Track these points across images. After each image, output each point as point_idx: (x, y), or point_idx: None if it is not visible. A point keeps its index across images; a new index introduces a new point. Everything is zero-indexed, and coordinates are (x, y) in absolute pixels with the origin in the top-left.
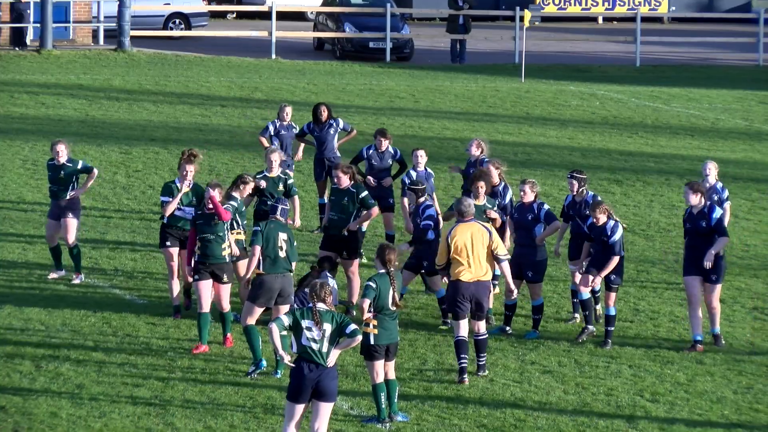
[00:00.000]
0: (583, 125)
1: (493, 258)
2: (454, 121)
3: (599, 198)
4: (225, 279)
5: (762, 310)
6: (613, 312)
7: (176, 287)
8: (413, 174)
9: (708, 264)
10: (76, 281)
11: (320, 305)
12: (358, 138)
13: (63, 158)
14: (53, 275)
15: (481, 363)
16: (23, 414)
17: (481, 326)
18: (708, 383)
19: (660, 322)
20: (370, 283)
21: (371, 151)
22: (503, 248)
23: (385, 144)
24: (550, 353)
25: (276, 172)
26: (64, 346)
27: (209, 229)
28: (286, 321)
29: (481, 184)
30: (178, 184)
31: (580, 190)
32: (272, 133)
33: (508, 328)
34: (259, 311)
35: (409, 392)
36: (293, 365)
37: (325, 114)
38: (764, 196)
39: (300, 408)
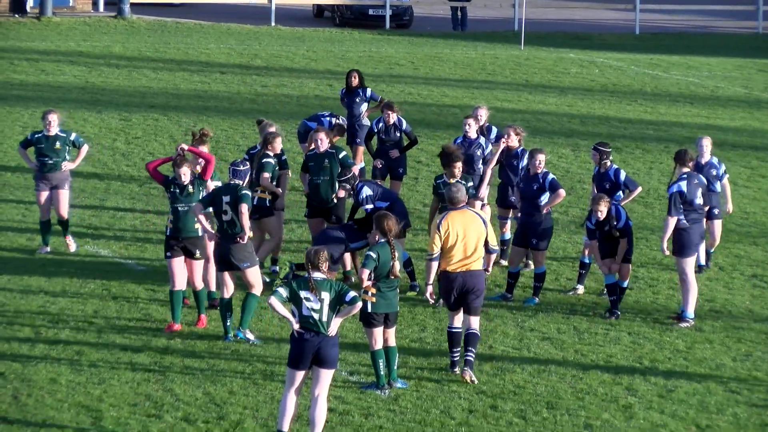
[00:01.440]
0: (582, 93)
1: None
2: (453, 89)
3: (617, 176)
4: (197, 255)
5: (761, 277)
6: (624, 284)
7: (212, 278)
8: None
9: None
10: (72, 247)
11: (316, 274)
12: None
13: (54, 129)
14: (42, 252)
15: (468, 358)
16: (23, 380)
17: (474, 322)
18: (707, 350)
19: (659, 289)
20: (371, 254)
21: (380, 124)
22: (494, 239)
23: (393, 117)
24: (549, 320)
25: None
26: (64, 313)
27: (182, 199)
28: (285, 293)
29: (458, 165)
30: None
31: (603, 162)
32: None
33: (510, 295)
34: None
35: (408, 360)
36: (301, 331)
37: (355, 81)
38: (763, 164)
39: (300, 374)
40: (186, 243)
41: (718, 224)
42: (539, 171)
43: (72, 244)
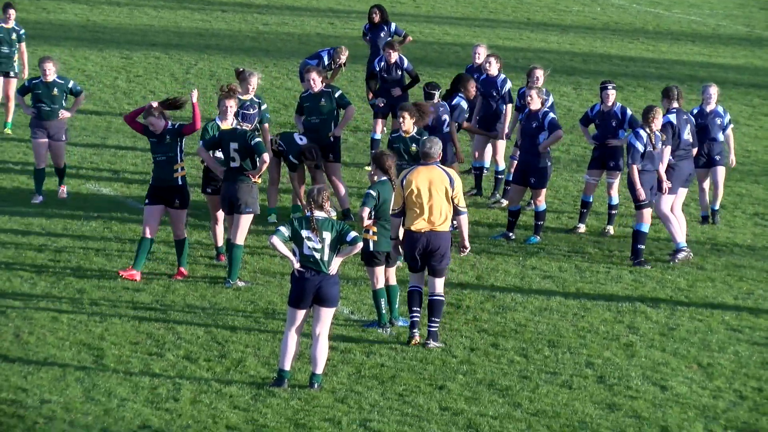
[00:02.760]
0: (584, 31)
1: (452, 208)
2: (455, 27)
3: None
4: (177, 203)
5: (762, 216)
6: (645, 229)
7: (220, 231)
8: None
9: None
10: (64, 194)
11: (318, 213)
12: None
13: (51, 76)
14: (35, 201)
15: (432, 329)
16: (24, 318)
17: (439, 285)
18: (708, 289)
19: (660, 227)
20: (371, 192)
21: (382, 63)
22: (463, 199)
23: (394, 56)
24: (551, 259)
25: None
26: (65, 251)
27: (160, 148)
28: (286, 232)
29: (405, 115)
30: (219, 123)
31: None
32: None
33: (511, 234)
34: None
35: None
36: (302, 270)
37: (377, 17)
38: (765, 102)
39: (301, 313)
40: (164, 193)
41: (721, 171)
42: (531, 108)
43: (63, 193)
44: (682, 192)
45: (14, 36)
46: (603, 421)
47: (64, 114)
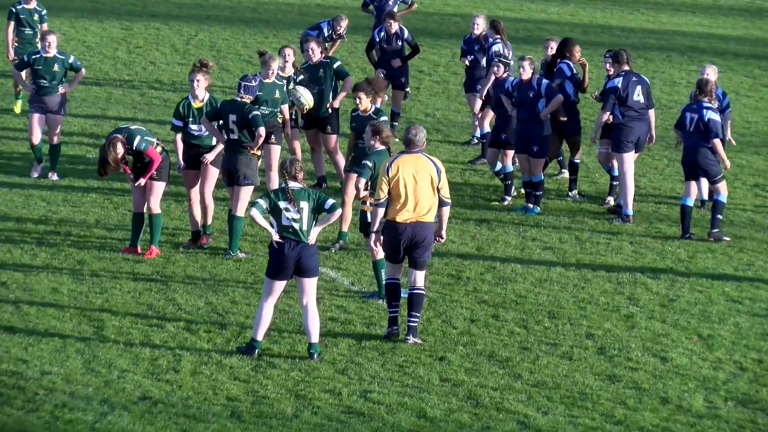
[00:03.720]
0: (584, 2)
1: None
2: None
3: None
4: (154, 175)
5: (763, 187)
6: (724, 199)
7: (197, 212)
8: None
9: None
10: (54, 177)
11: (292, 183)
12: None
13: (53, 50)
14: (34, 173)
15: (412, 324)
16: (24, 290)
17: (420, 278)
18: (709, 260)
19: (661, 199)
20: (367, 162)
21: (382, 33)
22: (448, 190)
23: (395, 26)
24: (551, 230)
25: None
26: (66, 222)
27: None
28: (265, 204)
29: (360, 95)
30: (191, 100)
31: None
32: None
33: (508, 198)
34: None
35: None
36: (281, 242)
37: None
38: (765, 73)
39: (280, 285)
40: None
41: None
42: (524, 78)
43: (53, 176)
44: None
45: (36, 17)
46: (603, 393)
47: (64, 89)
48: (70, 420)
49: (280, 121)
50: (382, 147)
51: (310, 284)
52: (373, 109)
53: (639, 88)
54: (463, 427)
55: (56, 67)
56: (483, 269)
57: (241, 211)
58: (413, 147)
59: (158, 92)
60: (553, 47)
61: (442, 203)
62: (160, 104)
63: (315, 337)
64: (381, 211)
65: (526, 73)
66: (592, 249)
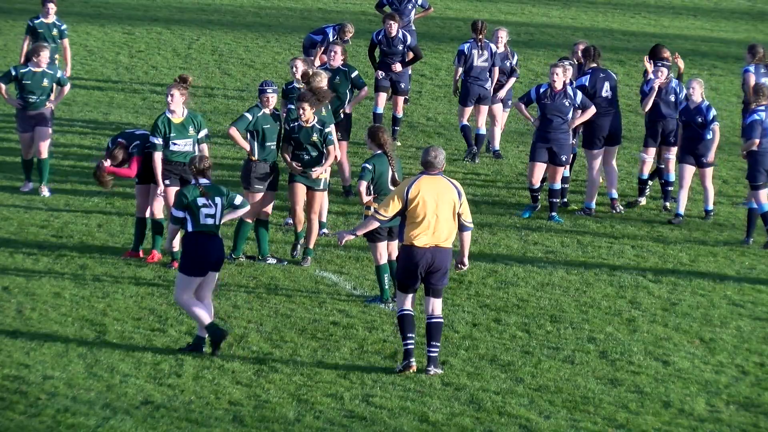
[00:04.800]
0: (585, 5)
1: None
2: (456, 1)
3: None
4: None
5: None
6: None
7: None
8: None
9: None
10: (46, 194)
11: (203, 180)
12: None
13: (44, 65)
14: (25, 189)
15: (432, 355)
16: (26, 294)
17: (437, 306)
18: (711, 264)
19: (659, 202)
20: (366, 165)
21: (380, 36)
22: (469, 214)
23: (395, 28)
24: (553, 234)
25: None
26: (67, 227)
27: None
28: (180, 214)
29: (305, 105)
30: (169, 116)
31: (669, 75)
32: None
33: (554, 215)
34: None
35: None
36: (202, 238)
37: None
38: None
39: (198, 280)
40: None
41: (708, 173)
42: (557, 87)
43: (46, 192)
44: (611, 149)
45: (55, 32)
46: (605, 396)
47: (50, 104)
48: (73, 424)
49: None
50: (379, 151)
51: (215, 277)
52: (316, 119)
53: (606, 84)
54: (465, 431)
55: (45, 82)
56: (485, 273)
57: (249, 217)
58: (433, 169)
59: (160, 96)
60: (502, 38)
61: (463, 228)
62: (162, 108)
63: (206, 320)
64: (374, 225)
65: (559, 81)
66: (593, 253)
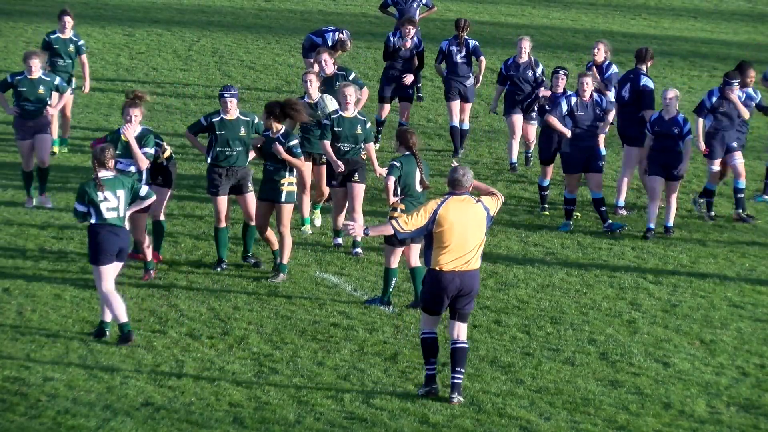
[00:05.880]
0: (586, 7)
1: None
2: (456, 3)
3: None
4: (159, 180)
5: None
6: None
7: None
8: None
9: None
10: (48, 205)
11: (103, 172)
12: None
13: (37, 72)
14: (29, 205)
15: (456, 382)
16: (27, 296)
17: (463, 331)
18: (711, 265)
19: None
20: (395, 163)
21: (396, 38)
22: (496, 210)
23: (412, 32)
24: (553, 235)
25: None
26: (68, 228)
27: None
28: (82, 208)
29: (269, 121)
30: (123, 132)
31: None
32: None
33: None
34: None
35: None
36: (109, 230)
37: None
38: None
39: (110, 268)
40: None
41: (675, 184)
42: (587, 96)
43: (48, 202)
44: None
45: (72, 47)
46: (605, 398)
47: (50, 111)
48: (73, 426)
49: (363, 157)
50: (408, 152)
51: (118, 268)
52: (282, 131)
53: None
54: None
55: (41, 89)
56: (485, 275)
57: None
58: (460, 188)
59: (160, 98)
60: (600, 49)
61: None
62: (162, 110)
63: (110, 317)
64: (389, 231)
65: (589, 91)
66: (594, 254)
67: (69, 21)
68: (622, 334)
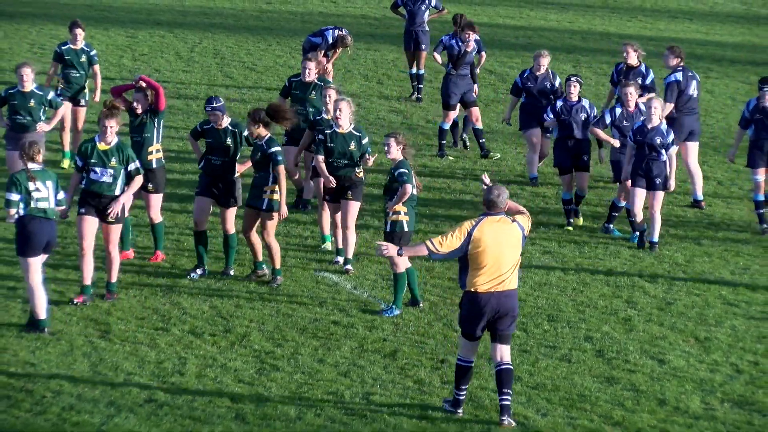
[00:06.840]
0: (583, 9)
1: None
2: (455, 5)
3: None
4: (149, 187)
5: None
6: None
7: (89, 265)
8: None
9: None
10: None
11: (32, 165)
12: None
13: (29, 84)
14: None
15: (505, 404)
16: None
17: (507, 354)
18: (706, 264)
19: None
20: (404, 171)
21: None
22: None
23: (472, 37)
24: (550, 234)
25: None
26: (72, 227)
27: (137, 129)
28: (16, 197)
29: (250, 122)
30: (98, 143)
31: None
32: None
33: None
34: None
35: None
36: (34, 220)
37: None
38: None
39: (38, 260)
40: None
41: (659, 196)
42: (631, 108)
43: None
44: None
45: (84, 58)
46: (601, 395)
47: (42, 127)
48: (77, 422)
49: (359, 175)
50: (402, 157)
51: (43, 259)
52: (267, 137)
53: (694, 82)
54: (464, 428)
55: (32, 103)
56: None
57: (232, 229)
58: (495, 208)
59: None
60: (629, 51)
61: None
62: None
63: (42, 313)
64: (424, 252)
65: (633, 100)
66: (590, 253)
67: (80, 33)
68: (617, 332)
